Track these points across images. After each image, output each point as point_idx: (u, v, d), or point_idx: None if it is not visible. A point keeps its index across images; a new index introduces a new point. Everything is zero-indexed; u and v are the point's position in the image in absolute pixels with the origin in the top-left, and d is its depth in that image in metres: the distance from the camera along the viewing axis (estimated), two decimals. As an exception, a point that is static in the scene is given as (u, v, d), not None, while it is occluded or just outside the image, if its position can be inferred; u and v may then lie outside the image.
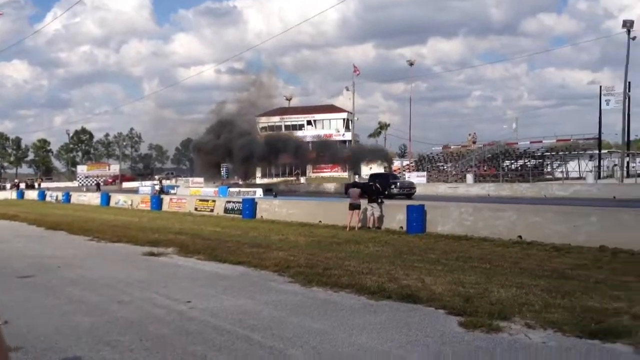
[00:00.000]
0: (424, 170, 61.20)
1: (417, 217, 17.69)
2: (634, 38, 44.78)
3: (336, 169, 73.77)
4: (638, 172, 48.31)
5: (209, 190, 47.96)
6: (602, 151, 56.40)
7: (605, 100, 54.01)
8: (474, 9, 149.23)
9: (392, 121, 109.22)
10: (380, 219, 19.38)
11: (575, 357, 5.04)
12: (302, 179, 69.09)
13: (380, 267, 10.30)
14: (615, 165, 51.35)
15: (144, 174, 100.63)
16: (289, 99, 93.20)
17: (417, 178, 55.64)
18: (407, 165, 66.31)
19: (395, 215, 19.15)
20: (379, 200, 19.91)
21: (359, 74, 67.92)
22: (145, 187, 58.26)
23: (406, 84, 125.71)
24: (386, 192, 34.75)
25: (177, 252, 13.42)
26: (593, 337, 5.50)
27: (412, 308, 7.14)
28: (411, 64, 71.26)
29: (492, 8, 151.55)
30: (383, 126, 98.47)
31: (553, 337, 5.63)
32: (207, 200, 31.37)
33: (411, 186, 39.93)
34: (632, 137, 63.15)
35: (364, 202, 19.71)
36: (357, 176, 55.97)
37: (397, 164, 67.41)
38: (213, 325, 6.62)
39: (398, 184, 39.30)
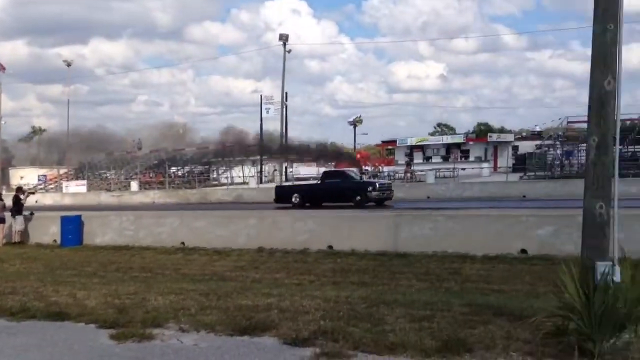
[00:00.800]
0: (84, 179, 57.84)
1: (73, 228, 16.71)
2: (289, 51, 50.10)
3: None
4: (295, 176, 53.76)
5: None
6: (264, 157, 61.54)
7: (266, 109, 59.30)
8: (138, 11, 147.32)
9: (49, 125, 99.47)
10: (24, 232, 17.73)
11: (223, 354, 5.15)
12: None
13: (27, 286, 9.33)
14: (275, 170, 56.37)
15: None
16: None
17: (76, 187, 52.34)
18: (65, 173, 61.82)
19: (48, 227, 17.71)
20: (30, 213, 18.34)
21: (4, 71, 61.03)
22: None
23: (65, 86, 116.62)
24: (359, 198, 26.78)
25: None
26: (243, 334, 5.71)
27: (60, 326, 6.51)
28: (69, 65, 67.13)
29: (157, 12, 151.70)
30: (37, 131, 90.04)
31: (205, 338, 5.68)
32: None
33: (390, 188, 29.87)
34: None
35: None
36: (4, 187, 49.66)
37: (53, 172, 62.40)
38: None
39: (377, 185, 28.76)
